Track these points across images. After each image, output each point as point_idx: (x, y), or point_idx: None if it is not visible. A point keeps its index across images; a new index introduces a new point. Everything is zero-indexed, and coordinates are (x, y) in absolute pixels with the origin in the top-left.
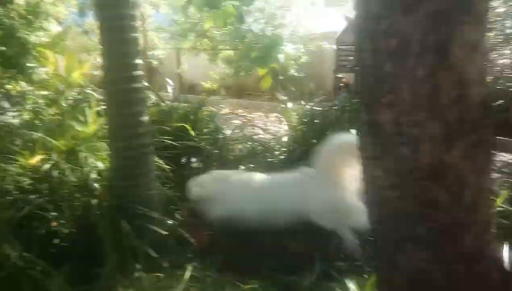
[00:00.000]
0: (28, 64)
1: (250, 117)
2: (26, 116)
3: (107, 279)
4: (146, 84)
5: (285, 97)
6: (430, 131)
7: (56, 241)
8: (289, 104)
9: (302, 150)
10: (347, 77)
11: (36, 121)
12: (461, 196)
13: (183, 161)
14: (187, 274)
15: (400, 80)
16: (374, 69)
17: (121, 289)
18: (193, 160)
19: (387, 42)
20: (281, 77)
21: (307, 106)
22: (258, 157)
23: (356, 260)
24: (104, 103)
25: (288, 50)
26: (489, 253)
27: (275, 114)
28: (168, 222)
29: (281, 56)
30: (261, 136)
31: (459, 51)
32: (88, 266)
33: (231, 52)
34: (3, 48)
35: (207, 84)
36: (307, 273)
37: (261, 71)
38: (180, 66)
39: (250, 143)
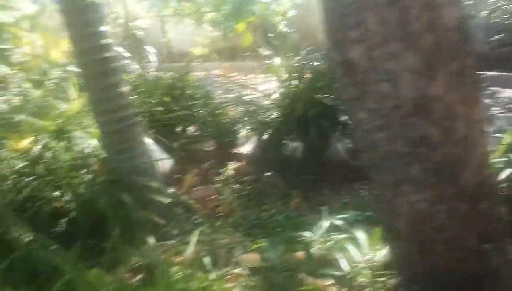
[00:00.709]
0: (2, 46)
1: (241, 79)
2: (13, 100)
3: (114, 252)
4: (129, 54)
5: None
6: (406, 63)
7: (61, 220)
8: (276, 60)
9: (294, 104)
10: None
11: (23, 105)
12: (453, 130)
13: (178, 129)
14: (194, 238)
15: (364, 9)
16: (336, 2)
17: (129, 259)
18: (189, 128)
19: None
20: (270, 35)
21: (294, 60)
22: (252, 117)
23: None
24: (80, 79)
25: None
26: (491, 189)
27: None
28: (171, 190)
29: (256, 9)
30: (252, 96)
31: None
32: (96, 241)
33: (216, 14)
34: None
35: (197, 51)
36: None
37: (240, 27)
38: (165, 34)
39: (242, 105)
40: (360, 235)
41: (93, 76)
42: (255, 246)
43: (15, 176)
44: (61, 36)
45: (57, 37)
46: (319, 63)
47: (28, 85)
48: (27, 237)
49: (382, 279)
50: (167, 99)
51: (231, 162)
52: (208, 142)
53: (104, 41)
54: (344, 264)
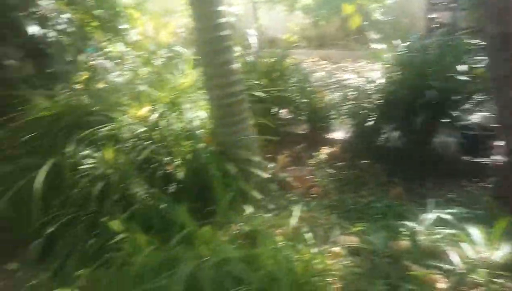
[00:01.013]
0: (120, 27)
1: (337, 66)
2: (127, 75)
3: (221, 215)
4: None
5: (376, 36)
6: None
7: (171, 182)
8: (379, 46)
9: (402, 91)
10: (441, 16)
11: (137, 79)
12: None
13: (273, 111)
14: (296, 213)
15: None
16: None
17: (233, 225)
18: (282, 110)
19: None
20: (365, 23)
21: (401, 46)
22: (350, 103)
23: None
24: (196, 55)
25: None
26: None
27: (363, 62)
28: (269, 165)
29: None
30: (352, 82)
31: None
32: (200, 204)
33: (309, 1)
34: (100, 11)
35: (286, 37)
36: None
37: (348, 9)
38: (257, 20)
39: (341, 90)
40: (474, 231)
41: (209, 53)
42: (355, 228)
43: (135, 139)
44: (169, 20)
45: (165, 20)
46: (427, 50)
47: (140, 62)
48: (145, 193)
49: (500, 280)
50: (264, 81)
51: (324, 147)
52: (301, 126)
53: (222, 20)
54: (455, 259)
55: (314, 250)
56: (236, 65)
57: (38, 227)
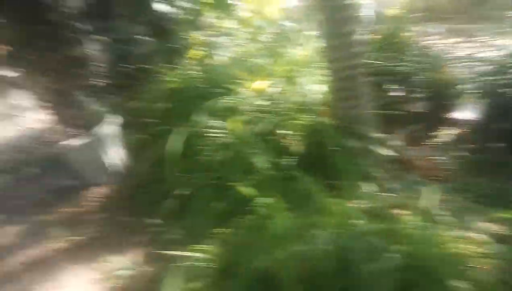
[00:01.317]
0: (233, 3)
1: (456, 40)
2: (240, 49)
3: (345, 190)
4: None
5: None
6: None
7: (289, 155)
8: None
9: None
10: None
11: (251, 53)
12: None
13: (385, 87)
14: (426, 194)
15: None
16: None
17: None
18: (396, 86)
19: None
20: None
21: None
22: (483, 79)
23: None
24: (319, 25)
25: None
26: None
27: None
28: (391, 143)
29: None
30: (487, 55)
31: None
32: (320, 179)
33: None
34: None
35: (391, 11)
36: None
37: None
38: None
39: (470, 65)
40: None
41: (334, 22)
42: (497, 215)
43: (253, 111)
44: None
45: None
46: None
47: (251, 37)
48: (268, 162)
49: None
50: (378, 56)
51: (446, 127)
52: (419, 104)
53: None
54: None
55: (454, 233)
56: (360, 37)
57: (171, 188)
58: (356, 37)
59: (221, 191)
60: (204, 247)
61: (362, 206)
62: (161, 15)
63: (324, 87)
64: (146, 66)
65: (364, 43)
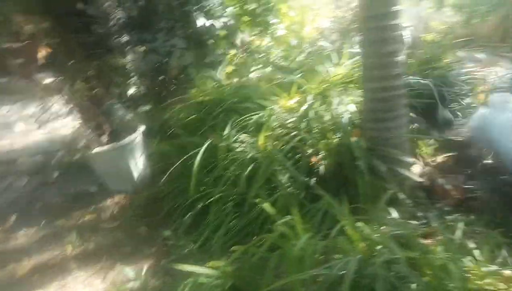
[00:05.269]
0: (270, 22)
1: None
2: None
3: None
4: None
5: None
6: None
7: (314, 174)
8: None
9: None
10: None
11: (286, 70)
12: None
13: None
14: (460, 224)
15: None
16: None
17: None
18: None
19: None
20: None
21: None
22: None
23: None
24: (359, 44)
25: None
26: None
27: None
28: (421, 169)
29: None
30: None
31: None
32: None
33: None
34: (253, 6)
35: (429, 37)
36: None
37: None
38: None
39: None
40: None
41: (375, 42)
42: None
43: (283, 128)
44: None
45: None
46: None
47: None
48: (294, 181)
49: None
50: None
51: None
52: (459, 130)
53: (394, 8)
54: None
55: (484, 268)
56: (401, 58)
57: (191, 201)
58: (397, 58)
59: (242, 206)
60: (220, 263)
61: (389, 232)
62: (201, 29)
63: (358, 107)
64: (181, 78)
65: (404, 65)
